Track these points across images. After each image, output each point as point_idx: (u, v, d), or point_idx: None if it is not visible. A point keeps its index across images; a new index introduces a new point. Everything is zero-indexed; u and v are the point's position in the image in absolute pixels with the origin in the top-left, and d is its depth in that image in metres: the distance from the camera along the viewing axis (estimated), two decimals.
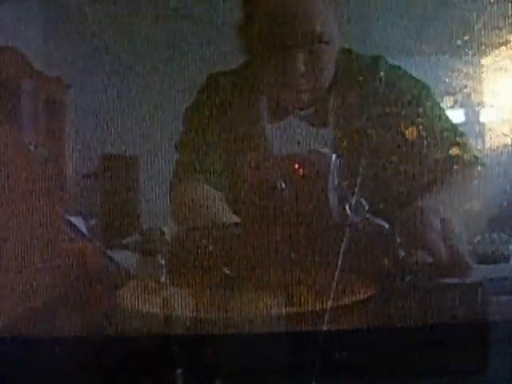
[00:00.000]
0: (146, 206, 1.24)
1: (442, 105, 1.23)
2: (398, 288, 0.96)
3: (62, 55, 1.52)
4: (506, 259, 1.21)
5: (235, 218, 1.14)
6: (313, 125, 1.29)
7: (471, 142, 1.26)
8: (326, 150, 1.08)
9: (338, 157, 1.07)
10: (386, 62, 1.28)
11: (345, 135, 1.25)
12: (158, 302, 0.95)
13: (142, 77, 1.26)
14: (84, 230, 1.51)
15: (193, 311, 0.94)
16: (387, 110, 1.22)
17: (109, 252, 1.27)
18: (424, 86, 1.24)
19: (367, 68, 1.28)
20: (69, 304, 0.99)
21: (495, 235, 1.24)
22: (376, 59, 1.29)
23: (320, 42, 1.24)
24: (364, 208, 1.03)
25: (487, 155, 1.19)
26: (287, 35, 1.23)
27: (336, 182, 1.06)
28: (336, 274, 0.92)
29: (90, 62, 1.43)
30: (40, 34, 1.59)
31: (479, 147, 1.23)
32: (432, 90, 1.23)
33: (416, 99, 1.23)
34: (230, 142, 1.27)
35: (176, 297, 0.96)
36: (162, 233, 1.28)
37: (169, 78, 1.23)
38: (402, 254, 1.00)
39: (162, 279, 1.00)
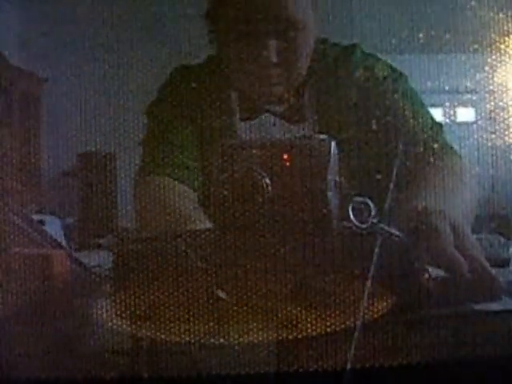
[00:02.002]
0: (123, 204, 1.04)
1: (418, 92, 1.11)
2: (423, 315, 0.70)
3: (38, 49, 1.37)
4: (506, 263, 1.04)
5: (208, 222, 0.91)
6: (288, 121, 1.10)
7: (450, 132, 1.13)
8: (323, 136, 0.83)
9: (338, 144, 0.81)
10: (362, 51, 1.13)
11: (323, 131, 1.03)
12: (133, 319, 0.71)
13: (119, 71, 1.07)
14: (59, 229, 1.34)
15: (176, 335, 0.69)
16: (364, 100, 1.08)
17: (84, 253, 1.07)
18: (401, 74, 1.10)
19: (343, 57, 1.12)
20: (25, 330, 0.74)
21: (492, 238, 1.07)
22: (352, 48, 1.13)
23: (294, 29, 1.05)
24: (371, 211, 0.77)
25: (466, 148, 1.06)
26: (258, 21, 1.03)
27: (337, 178, 0.80)
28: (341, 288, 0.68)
29: (66, 57, 1.26)
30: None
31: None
32: (409, 78, 1.10)
33: (392, 87, 1.08)
34: (199, 138, 1.10)
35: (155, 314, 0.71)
36: (138, 232, 1.08)
37: (147, 72, 1.03)
38: (425, 273, 0.74)
39: (138, 290, 0.76)
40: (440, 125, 1.12)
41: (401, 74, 1.11)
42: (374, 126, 1.04)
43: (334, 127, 1.07)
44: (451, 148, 1.10)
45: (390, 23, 1.05)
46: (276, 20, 1.03)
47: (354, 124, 1.07)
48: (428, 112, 1.12)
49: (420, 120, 1.08)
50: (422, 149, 1.01)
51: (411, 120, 1.06)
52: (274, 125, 1.10)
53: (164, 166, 1.08)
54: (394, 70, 1.12)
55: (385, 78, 1.11)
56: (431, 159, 1.02)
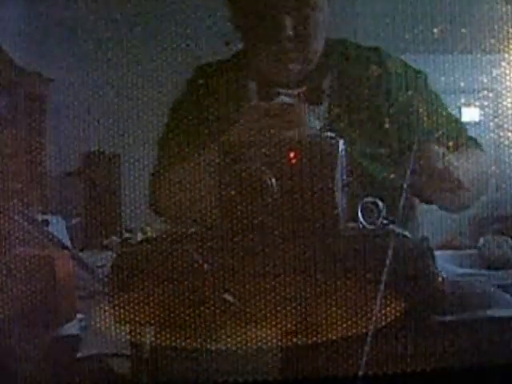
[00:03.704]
0: (129, 204, 1.02)
1: (437, 91, 1.15)
2: (436, 320, 0.67)
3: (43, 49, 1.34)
4: None
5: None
6: (308, 101, 1.14)
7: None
8: (330, 134, 0.80)
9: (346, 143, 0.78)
10: (385, 52, 1.19)
11: (341, 114, 1.13)
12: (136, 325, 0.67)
13: (124, 72, 1.05)
14: (63, 229, 1.31)
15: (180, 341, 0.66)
16: (385, 96, 1.14)
17: (88, 254, 1.04)
18: (420, 73, 1.15)
19: (366, 57, 1.19)
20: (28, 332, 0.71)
21: (501, 239, 1.03)
22: (375, 49, 1.19)
23: (308, 7, 1.12)
24: (380, 211, 0.74)
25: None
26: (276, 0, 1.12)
27: (344, 177, 0.77)
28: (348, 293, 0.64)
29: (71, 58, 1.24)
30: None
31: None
32: (428, 78, 1.16)
33: (412, 85, 1.13)
34: (222, 131, 1.07)
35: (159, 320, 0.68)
36: (145, 233, 1.05)
37: (152, 73, 1.02)
38: (439, 275, 0.71)
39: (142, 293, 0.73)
40: (460, 121, 1.17)
41: (420, 72, 1.15)
42: (391, 123, 1.10)
43: (350, 112, 1.12)
44: (475, 141, 1.15)
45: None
46: None
47: (371, 119, 1.12)
48: (448, 109, 1.15)
49: (439, 116, 1.12)
50: (445, 143, 1.04)
51: (431, 116, 1.09)
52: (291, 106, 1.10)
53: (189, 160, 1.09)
54: (414, 69, 1.16)
55: (405, 76, 1.15)
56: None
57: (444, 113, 1.13)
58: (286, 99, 1.12)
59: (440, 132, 1.04)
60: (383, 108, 1.12)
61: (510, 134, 1.02)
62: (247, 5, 1.14)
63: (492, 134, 1.18)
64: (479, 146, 1.14)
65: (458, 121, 1.16)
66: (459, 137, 1.11)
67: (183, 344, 0.68)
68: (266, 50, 1.13)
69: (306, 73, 1.16)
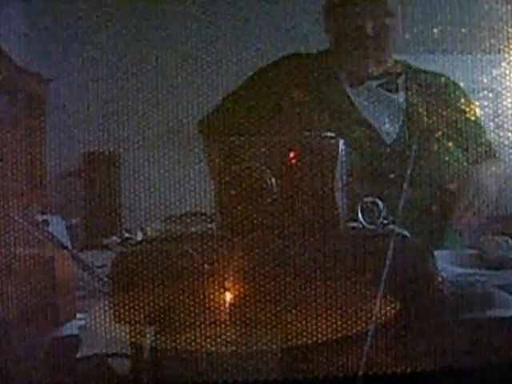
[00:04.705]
0: (128, 204, 1.03)
1: (477, 109, 1.34)
2: (435, 320, 0.67)
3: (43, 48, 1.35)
4: None
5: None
6: (387, 90, 1.41)
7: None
8: (331, 134, 0.80)
9: (346, 143, 0.78)
10: (448, 78, 1.40)
11: (414, 104, 1.37)
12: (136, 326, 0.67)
13: (125, 73, 1.06)
14: (63, 229, 1.31)
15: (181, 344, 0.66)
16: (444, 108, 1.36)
17: (88, 254, 1.04)
18: (466, 95, 1.36)
19: (433, 79, 1.42)
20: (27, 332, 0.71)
21: (501, 239, 1.04)
22: (441, 75, 1.41)
23: (386, 15, 1.39)
24: (380, 211, 0.74)
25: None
26: (361, 6, 1.40)
27: (344, 177, 0.76)
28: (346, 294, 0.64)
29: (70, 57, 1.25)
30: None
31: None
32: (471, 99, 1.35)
33: (461, 105, 1.36)
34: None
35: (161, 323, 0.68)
36: (145, 233, 1.04)
37: (150, 73, 1.02)
38: (439, 275, 0.71)
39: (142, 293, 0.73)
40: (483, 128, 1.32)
41: (466, 94, 1.36)
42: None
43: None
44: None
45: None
46: (374, 7, 1.38)
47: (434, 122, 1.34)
48: (481, 121, 1.34)
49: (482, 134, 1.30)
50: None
51: (478, 135, 1.28)
52: (377, 92, 1.39)
53: None
54: (465, 93, 1.36)
55: (459, 98, 1.37)
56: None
57: (484, 129, 1.30)
58: (372, 85, 1.39)
59: (480, 149, 1.20)
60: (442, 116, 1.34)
61: (509, 134, 1.02)
62: (337, 13, 1.41)
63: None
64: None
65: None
66: (491, 151, 1.23)
67: (183, 344, 0.68)
68: (350, 48, 1.40)
69: (382, 70, 1.40)
